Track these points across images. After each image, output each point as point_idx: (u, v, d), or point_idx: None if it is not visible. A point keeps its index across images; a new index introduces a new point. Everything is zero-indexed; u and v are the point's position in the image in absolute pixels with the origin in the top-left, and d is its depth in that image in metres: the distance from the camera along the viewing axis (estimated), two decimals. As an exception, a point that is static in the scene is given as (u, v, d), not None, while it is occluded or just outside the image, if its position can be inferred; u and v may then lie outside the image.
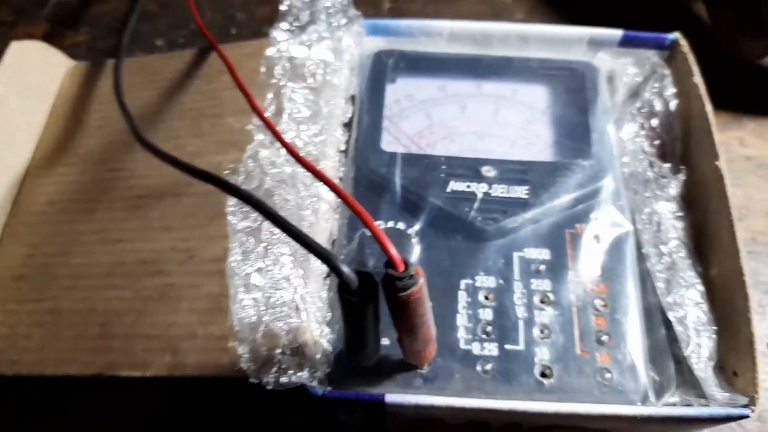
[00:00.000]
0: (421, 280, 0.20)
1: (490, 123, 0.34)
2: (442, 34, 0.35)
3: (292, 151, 0.23)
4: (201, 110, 0.36)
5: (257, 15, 0.50)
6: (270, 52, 0.30)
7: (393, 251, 0.20)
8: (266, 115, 0.28)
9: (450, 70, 0.36)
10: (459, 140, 0.34)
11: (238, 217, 0.25)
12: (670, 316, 0.28)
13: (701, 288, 0.28)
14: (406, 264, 0.20)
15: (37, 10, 0.51)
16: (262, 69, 0.29)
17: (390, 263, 0.20)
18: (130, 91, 0.36)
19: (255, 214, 0.25)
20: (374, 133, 0.32)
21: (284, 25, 0.31)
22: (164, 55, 0.40)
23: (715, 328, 0.27)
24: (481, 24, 0.35)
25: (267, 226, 0.25)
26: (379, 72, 0.35)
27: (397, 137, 0.34)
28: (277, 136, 0.24)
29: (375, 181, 0.31)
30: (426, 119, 0.34)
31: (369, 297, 0.21)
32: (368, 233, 0.30)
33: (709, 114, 0.31)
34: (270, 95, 0.29)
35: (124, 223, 0.33)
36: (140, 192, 0.34)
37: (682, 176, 0.31)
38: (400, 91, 0.35)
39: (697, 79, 0.32)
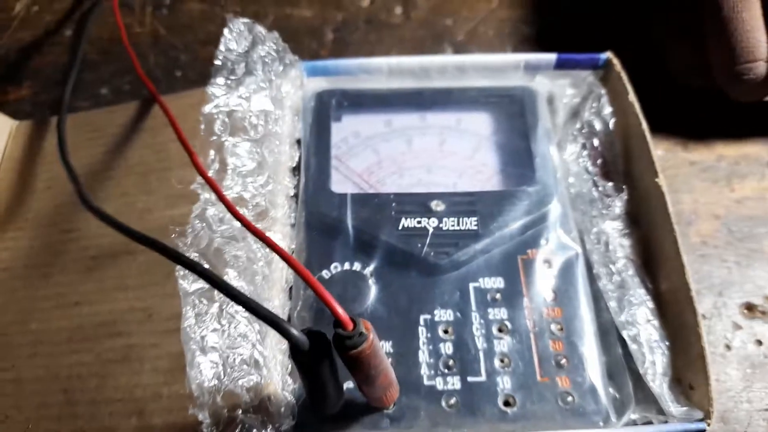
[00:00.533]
0: (371, 336, 0.21)
1: (437, 155, 0.35)
2: (382, 70, 0.36)
3: (233, 212, 0.24)
4: (148, 165, 0.36)
5: (201, 55, 0.50)
6: (208, 108, 0.30)
7: (339, 310, 0.20)
8: (210, 172, 0.28)
9: (393, 105, 0.36)
10: (408, 174, 0.34)
11: (188, 280, 0.25)
12: (624, 334, 0.28)
13: (651, 305, 0.29)
14: (354, 322, 0.20)
15: (-24, 68, 0.50)
16: (202, 126, 0.29)
17: (338, 322, 0.20)
18: (75, 149, 0.35)
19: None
20: (323, 175, 0.33)
21: (220, 80, 0.31)
22: (108, 109, 0.40)
23: (668, 343, 0.28)
24: (419, 58, 0.36)
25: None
26: (323, 112, 0.35)
27: (347, 176, 0.34)
28: (220, 196, 0.24)
29: (327, 223, 0.31)
30: (374, 155, 0.35)
31: (322, 355, 0.21)
32: (326, 277, 0.30)
33: (646, 132, 0.32)
34: (212, 152, 0.29)
35: (81, 285, 0.33)
36: (94, 252, 0.34)
37: (624, 195, 0.32)
38: (345, 129, 0.35)
39: (632, 97, 0.33)
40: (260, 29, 0.32)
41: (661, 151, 0.41)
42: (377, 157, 0.35)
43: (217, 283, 0.20)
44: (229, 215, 0.28)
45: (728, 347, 0.35)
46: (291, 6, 0.49)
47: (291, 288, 0.30)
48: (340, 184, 0.33)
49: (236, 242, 0.27)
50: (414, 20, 0.48)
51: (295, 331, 0.20)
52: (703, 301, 0.35)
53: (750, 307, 0.35)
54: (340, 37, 0.50)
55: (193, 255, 0.26)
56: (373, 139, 0.35)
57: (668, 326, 0.29)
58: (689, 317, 0.28)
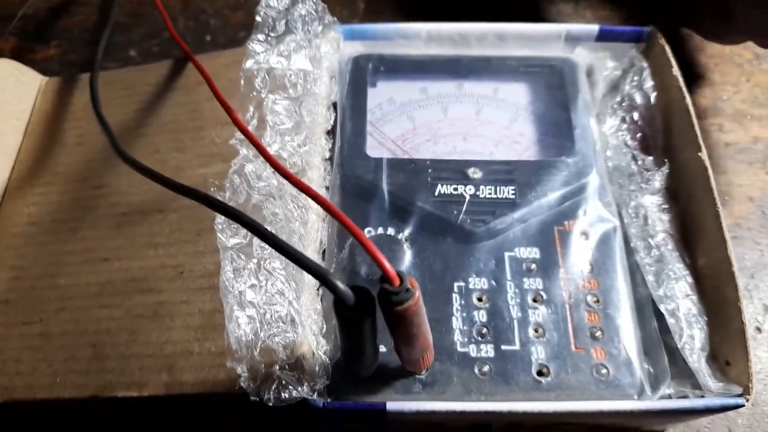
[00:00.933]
0: (417, 293, 0.20)
1: (473, 123, 0.34)
2: (420, 36, 0.35)
3: (277, 166, 0.23)
4: (181, 123, 0.35)
5: (231, 21, 0.49)
6: (248, 64, 0.30)
7: (387, 265, 0.20)
8: (249, 128, 0.27)
9: (430, 72, 0.36)
10: (443, 142, 0.34)
11: (227, 233, 0.25)
12: (662, 308, 0.28)
13: (690, 279, 0.29)
14: (401, 277, 0.20)
15: (4, 25, 0.50)
16: (242, 81, 0.29)
17: (385, 278, 0.20)
18: (107, 106, 0.35)
19: (244, 231, 0.25)
20: (358, 139, 0.32)
21: (261, 36, 0.30)
22: (139, 68, 0.40)
23: (706, 318, 0.28)
24: (458, 25, 0.35)
25: (257, 242, 0.25)
26: (359, 77, 0.35)
27: (382, 142, 0.33)
28: (262, 151, 0.24)
29: (362, 187, 0.31)
30: (409, 122, 0.34)
31: (366, 311, 0.21)
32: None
33: (689, 106, 0.32)
34: (251, 107, 0.28)
35: (110, 241, 0.33)
36: (124, 209, 0.34)
37: (665, 169, 0.31)
38: (381, 95, 0.35)
39: (675, 71, 0.33)
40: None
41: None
42: (412, 123, 0.34)
43: (264, 234, 0.20)
44: (267, 172, 0.27)
45: (759, 330, 0.35)
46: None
47: (324, 251, 0.30)
48: (375, 149, 0.33)
49: (274, 200, 0.27)
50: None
51: (342, 285, 0.20)
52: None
53: (784, 290, 0.35)
54: (371, 6, 0.49)
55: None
56: (408, 105, 0.35)
57: (706, 302, 0.28)
58: (730, 293, 0.27)
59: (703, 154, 0.30)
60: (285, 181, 0.26)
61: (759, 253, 0.38)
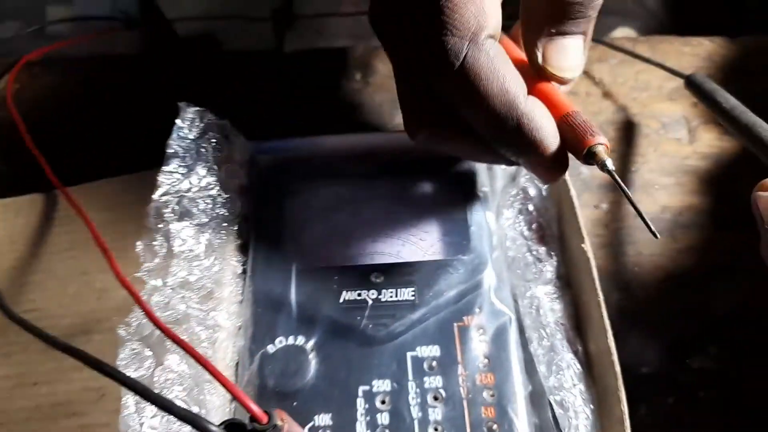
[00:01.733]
0: (285, 426, 0.22)
1: (383, 224, 0.36)
2: (327, 148, 0.38)
3: (155, 321, 0.25)
4: (108, 244, 0.37)
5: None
6: (158, 194, 0.32)
7: (252, 406, 0.21)
8: (156, 258, 0.29)
9: (341, 176, 0.38)
10: (355, 245, 0.35)
11: (129, 369, 0.26)
12: (551, 399, 0.30)
13: (578, 368, 0.31)
14: (269, 415, 0.22)
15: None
16: (151, 212, 0.31)
17: (252, 417, 0.22)
18: (47, 226, 0.37)
19: (148, 362, 0.27)
20: (270, 250, 0.34)
21: (171, 167, 0.32)
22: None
23: (592, 407, 0.30)
24: (365, 136, 0.38)
25: (159, 372, 0.27)
26: (272, 188, 0.37)
27: (295, 250, 0.35)
28: (143, 308, 0.26)
29: (272, 298, 0.33)
30: (322, 227, 0.36)
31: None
32: (270, 352, 0.31)
33: (574, 197, 0.34)
34: (160, 238, 0.30)
35: (41, 365, 0.35)
36: (54, 332, 0.35)
37: (554, 260, 0.34)
38: (294, 202, 0.37)
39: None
40: (211, 116, 0.34)
41: (606, 204, 0.43)
42: (326, 228, 0.36)
43: (131, 385, 0.22)
44: (174, 300, 0.29)
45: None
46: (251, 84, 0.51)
47: (237, 364, 0.31)
48: (287, 258, 0.35)
49: (179, 326, 0.29)
50: (372, 85, 0.50)
51: (212, 427, 0.21)
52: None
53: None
54: (303, 103, 0.52)
55: (137, 343, 0.28)
56: (321, 210, 0.37)
57: (595, 390, 0.30)
58: (611, 381, 0.29)
59: (586, 245, 0.32)
60: (192, 306, 0.28)
61: (668, 322, 0.40)
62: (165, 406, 0.21)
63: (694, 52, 0.51)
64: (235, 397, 0.21)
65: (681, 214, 0.43)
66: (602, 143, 0.28)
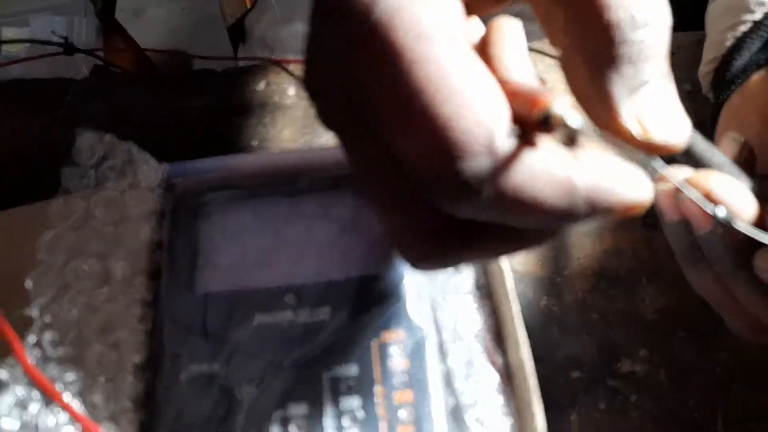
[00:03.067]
0: None
1: (303, 243, 0.36)
2: (246, 167, 0.37)
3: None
4: None
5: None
6: (51, 225, 0.31)
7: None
8: (50, 291, 0.29)
9: (260, 196, 0.37)
10: (271, 266, 0.35)
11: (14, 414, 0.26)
12: (466, 417, 0.29)
13: (496, 383, 0.30)
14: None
15: None
16: (43, 245, 0.30)
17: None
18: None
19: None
20: (183, 277, 0.34)
21: (66, 196, 0.31)
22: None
23: (512, 421, 0.29)
24: (286, 153, 0.37)
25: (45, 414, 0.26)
26: (186, 211, 0.36)
27: (211, 275, 0.34)
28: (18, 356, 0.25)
29: (184, 325, 0.32)
30: (240, 249, 0.36)
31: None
32: (182, 380, 0.31)
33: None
34: (52, 272, 0.29)
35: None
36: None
37: (473, 270, 0.33)
38: (211, 225, 0.36)
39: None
40: (112, 139, 0.33)
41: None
42: (244, 250, 0.36)
43: None
44: (71, 335, 0.28)
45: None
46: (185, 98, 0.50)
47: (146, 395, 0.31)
48: (203, 283, 0.34)
49: (73, 365, 0.28)
50: (306, 100, 0.50)
51: None
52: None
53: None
54: (233, 120, 0.51)
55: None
56: (239, 233, 0.36)
57: (514, 404, 0.30)
58: (525, 395, 0.29)
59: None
60: (93, 340, 0.27)
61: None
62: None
63: (624, 54, 0.51)
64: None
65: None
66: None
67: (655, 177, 0.22)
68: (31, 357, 0.27)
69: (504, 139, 0.19)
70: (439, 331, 0.32)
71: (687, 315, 0.39)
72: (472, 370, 0.30)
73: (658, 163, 0.21)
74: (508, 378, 0.31)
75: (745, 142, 0.30)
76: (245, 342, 0.31)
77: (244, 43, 0.76)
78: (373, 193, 0.23)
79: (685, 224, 0.28)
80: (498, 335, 0.32)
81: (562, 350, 0.38)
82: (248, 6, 0.84)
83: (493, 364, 0.31)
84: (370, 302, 0.32)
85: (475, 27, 0.24)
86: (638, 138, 0.21)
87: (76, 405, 0.27)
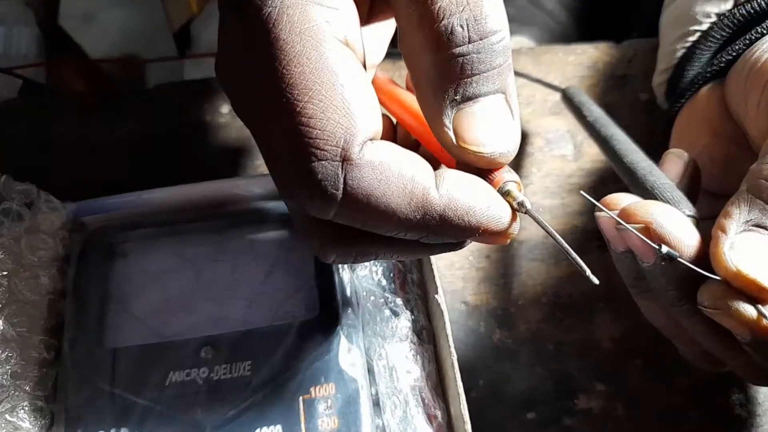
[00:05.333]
0: None
1: (226, 286, 0.33)
2: (162, 202, 0.34)
3: None
4: None
5: None
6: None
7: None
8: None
9: (182, 233, 0.34)
10: (192, 313, 0.32)
11: None
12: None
13: (432, 439, 0.27)
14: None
15: None
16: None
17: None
18: None
19: None
20: (92, 328, 0.30)
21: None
22: None
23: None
24: (207, 184, 0.34)
25: None
26: (98, 253, 0.33)
27: (122, 326, 0.31)
28: None
29: (90, 385, 0.29)
30: (158, 295, 0.32)
31: None
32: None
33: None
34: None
35: None
36: None
37: (411, 313, 0.30)
38: (120, 269, 0.33)
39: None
40: (8, 180, 0.30)
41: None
42: (161, 296, 0.32)
43: None
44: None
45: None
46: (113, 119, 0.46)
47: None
48: (107, 336, 0.30)
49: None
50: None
51: None
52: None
53: None
54: (167, 140, 0.47)
55: None
56: (158, 275, 0.33)
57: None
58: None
59: (440, 297, 0.29)
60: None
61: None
62: None
63: (578, 61, 0.49)
64: None
65: (565, 237, 0.41)
66: (513, 180, 0.23)
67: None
68: None
69: (361, 145, 0.21)
70: (374, 383, 0.29)
71: (643, 341, 0.37)
72: (406, 427, 0.28)
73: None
74: (453, 429, 0.28)
75: (690, 159, 0.29)
76: (156, 405, 0.28)
77: (189, 48, 0.73)
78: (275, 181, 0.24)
79: (632, 254, 0.26)
80: (439, 383, 0.29)
81: (516, 386, 0.36)
82: (195, 11, 0.81)
83: (432, 417, 0.28)
84: (297, 353, 0.29)
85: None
86: (455, 147, 0.22)
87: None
